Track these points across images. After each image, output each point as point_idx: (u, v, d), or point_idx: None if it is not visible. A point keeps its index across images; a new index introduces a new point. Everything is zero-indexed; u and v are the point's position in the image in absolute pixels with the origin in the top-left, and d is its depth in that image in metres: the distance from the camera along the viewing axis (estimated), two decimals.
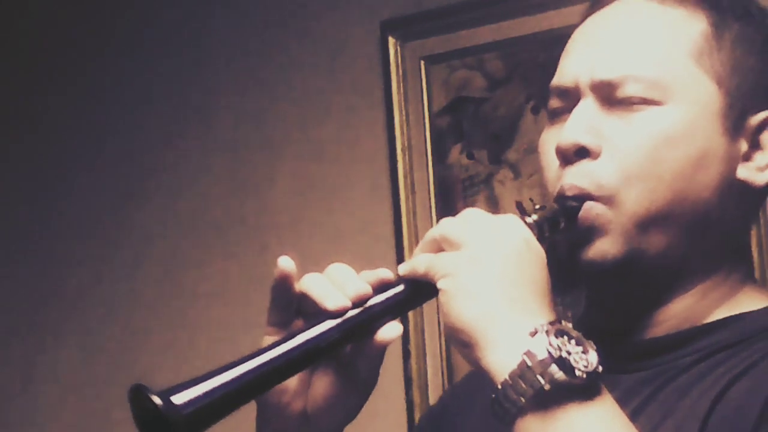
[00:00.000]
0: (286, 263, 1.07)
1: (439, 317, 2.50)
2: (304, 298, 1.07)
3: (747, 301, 1.14)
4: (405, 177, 2.57)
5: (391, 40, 2.62)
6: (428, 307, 2.68)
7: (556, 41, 2.62)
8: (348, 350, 1.08)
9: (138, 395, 0.96)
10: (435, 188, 2.55)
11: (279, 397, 1.08)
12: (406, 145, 2.58)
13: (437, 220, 2.53)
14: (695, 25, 1.15)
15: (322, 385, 1.09)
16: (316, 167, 2.70)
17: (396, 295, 1.06)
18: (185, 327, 2.80)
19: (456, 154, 2.55)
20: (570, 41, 1.21)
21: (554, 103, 1.19)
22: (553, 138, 1.15)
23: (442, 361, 2.51)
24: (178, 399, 0.95)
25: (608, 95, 1.13)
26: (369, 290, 1.04)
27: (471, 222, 1.04)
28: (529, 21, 2.47)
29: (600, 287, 1.15)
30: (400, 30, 2.61)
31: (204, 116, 2.85)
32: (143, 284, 2.88)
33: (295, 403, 1.09)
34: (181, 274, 2.83)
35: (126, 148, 2.93)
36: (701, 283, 1.14)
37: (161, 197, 2.88)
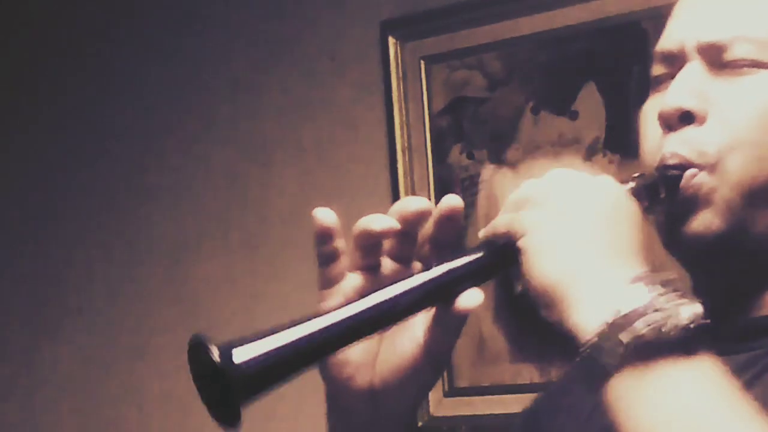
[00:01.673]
0: (324, 215, 0.99)
1: None
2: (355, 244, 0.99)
3: None
4: (405, 177, 2.57)
5: (391, 40, 2.62)
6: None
7: (556, 41, 2.64)
8: (422, 319, 0.99)
9: (196, 347, 0.87)
10: (435, 188, 2.55)
11: (341, 368, 0.99)
12: (406, 145, 2.58)
13: None
14: None
15: (391, 356, 1.00)
16: (316, 167, 2.70)
17: (476, 259, 0.96)
18: (185, 327, 2.79)
19: (456, 154, 2.55)
20: (677, 5, 1.12)
21: (657, 69, 1.10)
22: (656, 106, 1.07)
23: None
24: (239, 356, 0.86)
25: (716, 58, 1.06)
26: (397, 225, 0.96)
27: (555, 179, 0.96)
28: (529, 21, 2.47)
29: (703, 264, 1.07)
30: (400, 30, 2.61)
31: (204, 116, 2.85)
32: (143, 284, 2.88)
33: (360, 376, 1.00)
34: (181, 273, 2.83)
35: (126, 148, 2.93)
36: None
37: (161, 197, 2.88)
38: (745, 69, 1.05)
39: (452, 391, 2.49)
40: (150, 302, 2.86)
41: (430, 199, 2.55)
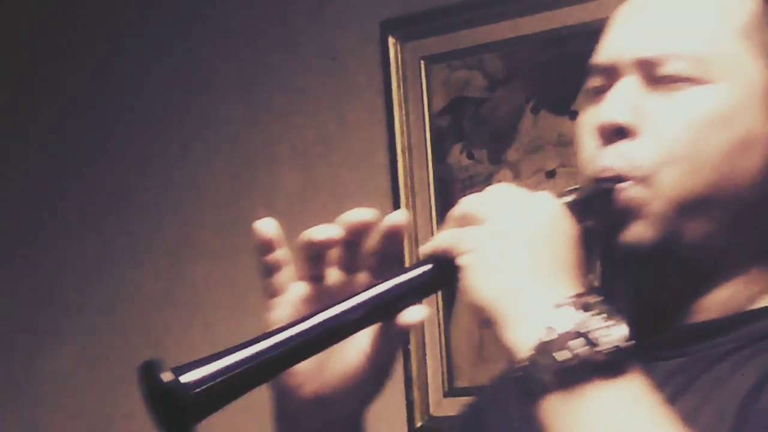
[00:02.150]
0: (265, 227, 1.04)
1: (439, 317, 2.50)
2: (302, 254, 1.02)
3: None
4: (405, 177, 2.57)
5: (391, 40, 2.62)
6: (429, 306, 2.66)
7: (556, 41, 2.64)
8: (367, 331, 1.02)
9: (147, 372, 0.91)
10: (435, 188, 2.55)
11: (288, 379, 1.03)
12: (406, 145, 2.58)
13: (437, 220, 2.53)
14: (745, 2, 1.10)
15: (336, 366, 1.03)
16: (315, 167, 2.70)
17: (419, 275, 0.99)
18: (186, 327, 2.80)
19: (456, 154, 2.55)
20: (613, 18, 1.16)
21: (594, 81, 1.13)
22: (591, 117, 1.10)
23: (442, 361, 2.51)
24: (188, 377, 0.90)
25: (651, 73, 1.08)
26: (341, 233, 1.00)
27: (496, 196, 0.99)
28: (529, 21, 2.47)
29: (637, 273, 1.10)
30: (400, 30, 2.61)
31: (204, 116, 2.85)
32: (143, 284, 2.88)
33: (307, 385, 1.03)
34: (182, 273, 2.83)
35: (126, 148, 2.93)
36: (744, 271, 1.08)
37: (161, 197, 2.88)
38: (679, 84, 1.07)
39: (452, 391, 2.49)
40: (150, 303, 2.86)
41: (430, 199, 2.56)
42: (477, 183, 2.51)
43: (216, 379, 0.91)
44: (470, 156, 2.53)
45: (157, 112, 2.90)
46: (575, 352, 0.89)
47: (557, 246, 0.96)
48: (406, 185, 2.57)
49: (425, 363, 2.52)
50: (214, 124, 2.83)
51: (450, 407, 2.49)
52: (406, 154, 2.58)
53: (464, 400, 2.65)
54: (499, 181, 2.48)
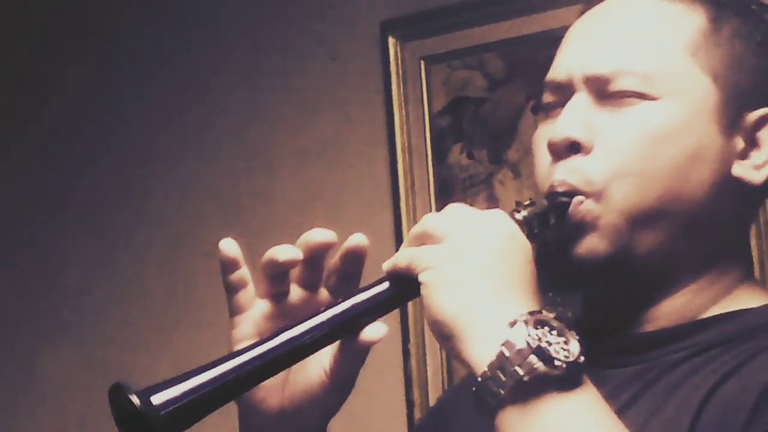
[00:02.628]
0: (227, 246, 1.09)
1: None
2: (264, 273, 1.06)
3: (743, 299, 1.12)
4: (405, 177, 2.58)
5: (391, 40, 2.62)
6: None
7: (556, 41, 2.63)
8: (329, 347, 1.05)
9: (117, 394, 0.95)
10: (435, 188, 2.55)
11: (253, 393, 1.06)
12: (406, 145, 2.58)
13: None
14: (692, 20, 1.13)
15: (299, 382, 1.07)
16: (315, 167, 2.70)
17: (380, 292, 1.03)
18: (186, 327, 2.80)
19: (456, 154, 2.55)
20: (565, 36, 1.20)
21: (547, 97, 1.17)
22: (545, 133, 1.14)
23: (442, 361, 2.51)
24: (157, 399, 0.93)
25: (601, 90, 1.12)
26: (300, 255, 1.03)
27: (454, 216, 1.02)
28: (529, 21, 2.47)
29: (591, 284, 1.13)
30: (400, 30, 2.61)
31: (204, 116, 2.85)
32: (144, 284, 2.88)
33: (270, 399, 1.07)
34: (182, 273, 2.83)
35: (127, 148, 2.93)
36: (695, 280, 1.12)
37: (161, 197, 2.88)
38: (629, 100, 1.11)
39: None
40: (150, 304, 2.86)
41: (430, 199, 2.56)
42: (477, 183, 2.52)
43: (184, 400, 0.94)
44: (470, 156, 2.53)
45: (157, 112, 2.90)
46: (531, 367, 0.92)
47: (512, 263, 0.99)
48: (406, 185, 2.57)
49: (425, 363, 2.52)
50: (214, 124, 2.83)
51: None
52: (406, 154, 2.58)
53: None
54: (500, 181, 2.49)
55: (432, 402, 2.51)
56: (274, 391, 1.07)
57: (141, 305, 2.88)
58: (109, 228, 2.93)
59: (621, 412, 0.99)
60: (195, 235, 2.83)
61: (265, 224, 2.74)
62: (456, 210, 1.03)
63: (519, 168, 2.48)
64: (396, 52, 2.61)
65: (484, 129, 2.53)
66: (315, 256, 1.06)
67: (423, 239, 1.01)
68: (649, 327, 1.12)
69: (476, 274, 0.97)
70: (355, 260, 1.06)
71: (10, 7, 3.08)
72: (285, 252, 1.05)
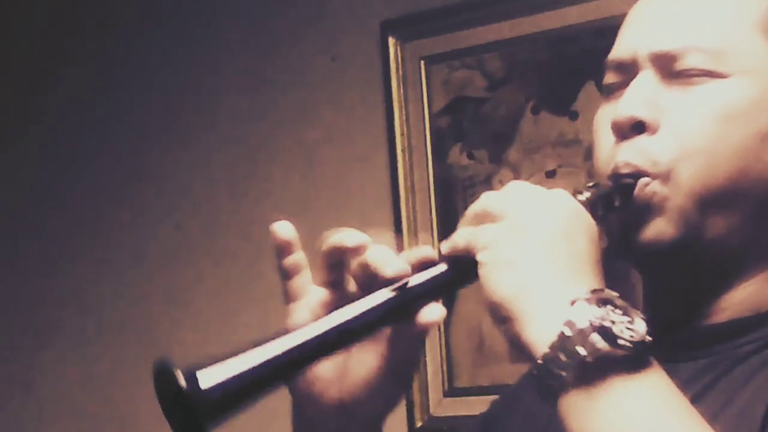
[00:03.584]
0: (283, 229, 1.03)
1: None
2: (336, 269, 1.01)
3: None
4: (405, 177, 2.57)
5: (391, 40, 2.62)
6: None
7: (556, 41, 2.64)
8: (387, 334, 1.01)
9: (163, 374, 0.88)
10: (435, 188, 2.55)
11: (311, 385, 1.02)
12: (406, 145, 2.58)
13: (437, 220, 2.54)
14: None
15: (358, 371, 1.02)
16: (315, 167, 2.70)
17: (438, 275, 0.97)
18: (186, 327, 2.80)
19: (456, 154, 2.55)
20: (628, 15, 1.14)
21: (610, 77, 1.12)
22: (608, 114, 1.09)
23: (442, 361, 2.51)
24: (206, 382, 0.87)
25: (668, 67, 1.07)
26: (408, 270, 0.97)
27: (514, 193, 0.97)
28: (529, 21, 2.47)
29: (657, 271, 1.09)
30: (400, 30, 2.61)
31: (204, 117, 2.85)
32: (143, 284, 2.88)
33: (329, 391, 1.02)
34: (183, 273, 2.83)
35: (127, 148, 2.93)
36: (765, 269, 1.07)
37: (162, 197, 2.88)
38: (696, 78, 1.06)
39: (452, 391, 2.49)
40: (151, 305, 2.86)
41: (430, 199, 2.56)
42: (477, 183, 2.51)
43: (235, 384, 0.88)
44: (470, 156, 2.53)
45: (157, 112, 2.90)
46: (594, 347, 0.88)
47: (575, 242, 0.95)
48: (406, 185, 2.57)
49: (425, 363, 2.52)
50: (214, 124, 2.83)
51: (450, 407, 2.49)
52: (406, 154, 2.58)
53: (464, 400, 2.65)
54: (500, 181, 2.48)
55: (432, 401, 2.51)
56: (332, 383, 1.02)
57: (141, 306, 2.88)
58: (109, 228, 2.93)
59: (692, 403, 0.94)
60: (196, 237, 2.83)
61: (265, 224, 2.74)
62: (517, 187, 0.98)
63: (519, 168, 2.47)
64: (396, 52, 2.61)
65: (484, 129, 2.53)
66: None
67: (482, 218, 0.97)
68: (716, 318, 1.07)
69: (536, 253, 0.93)
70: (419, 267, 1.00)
71: (10, 7, 3.08)
72: (353, 239, 1.00)
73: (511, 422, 1.18)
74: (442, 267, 0.98)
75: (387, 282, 0.98)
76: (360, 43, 2.66)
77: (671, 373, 0.93)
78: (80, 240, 2.96)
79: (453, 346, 2.49)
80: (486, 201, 0.98)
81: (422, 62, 2.60)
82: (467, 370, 2.48)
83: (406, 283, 0.97)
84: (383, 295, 0.97)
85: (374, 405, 1.03)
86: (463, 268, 0.97)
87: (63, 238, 2.98)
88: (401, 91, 2.60)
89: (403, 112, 2.59)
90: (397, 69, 2.61)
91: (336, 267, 1.02)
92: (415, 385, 2.52)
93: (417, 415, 2.52)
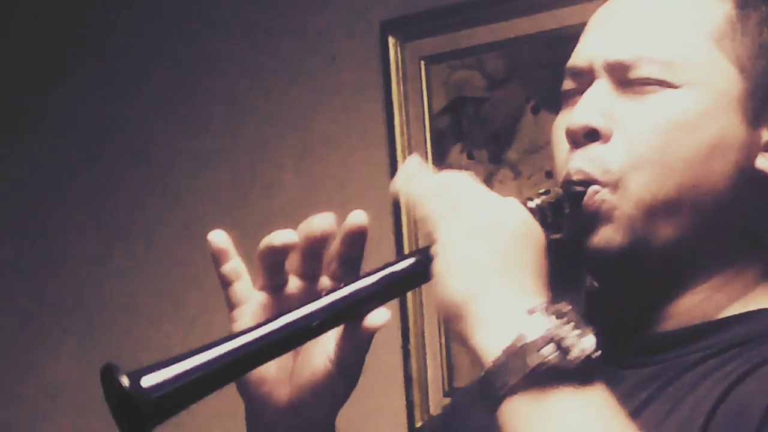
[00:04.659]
0: (216, 237, 1.07)
1: (439, 317, 2.50)
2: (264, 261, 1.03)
3: (762, 299, 1.09)
4: None
5: (391, 40, 2.62)
6: (429, 307, 2.66)
7: (556, 41, 2.64)
8: (333, 334, 1.02)
9: (108, 376, 0.91)
10: None
11: (259, 386, 1.04)
12: (406, 145, 2.58)
13: None
14: (718, 7, 1.10)
15: (305, 372, 1.04)
16: (315, 167, 2.70)
17: (384, 276, 1.00)
18: (186, 327, 2.79)
19: (456, 154, 2.55)
20: (588, 22, 1.16)
21: (568, 84, 1.14)
22: (564, 121, 1.11)
23: (442, 361, 2.51)
24: (147, 381, 0.90)
25: (622, 77, 1.08)
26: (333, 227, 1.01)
27: (469, 190, 0.98)
28: (529, 21, 2.47)
29: (606, 278, 1.11)
30: (400, 30, 2.61)
31: (204, 117, 2.85)
32: (143, 284, 2.88)
33: (277, 392, 1.04)
34: (183, 273, 2.83)
35: (127, 148, 2.93)
36: (713, 277, 1.08)
37: (162, 197, 2.88)
38: (649, 88, 1.08)
39: (452, 391, 2.49)
40: (150, 304, 2.86)
41: None
42: None
43: (177, 383, 0.91)
44: (470, 156, 2.53)
45: (157, 112, 2.90)
46: (546, 357, 0.89)
47: (527, 251, 0.96)
48: None
49: (425, 363, 2.52)
50: (214, 124, 2.83)
51: None
52: (406, 154, 2.58)
53: None
54: (500, 181, 2.48)
55: (432, 402, 2.52)
56: (280, 384, 1.04)
57: (141, 306, 2.88)
58: (109, 227, 2.93)
59: (637, 411, 0.97)
60: (197, 235, 2.83)
61: (265, 223, 2.74)
62: (471, 183, 0.99)
63: (519, 168, 2.48)
64: (396, 52, 2.61)
65: (484, 129, 2.53)
66: (315, 245, 1.03)
67: (439, 195, 0.98)
68: (665, 325, 1.09)
69: (491, 259, 0.94)
70: (356, 241, 1.04)
71: (10, 7, 3.08)
72: (280, 236, 1.03)
73: (474, 417, 1.19)
74: (388, 270, 1.00)
75: (335, 285, 1.01)
76: (360, 43, 2.66)
77: (619, 379, 0.96)
78: (80, 240, 2.96)
79: (453, 346, 2.49)
80: (444, 183, 0.99)
81: (422, 62, 2.60)
82: (467, 370, 2.48)
83: (353, 285, 0.99)
84: (329, 297, 0.99)
85: (322, 402, 1.05)
86: (415, 270, 0.99)
87: (63, 238, 2.98)
88: (401, 91, 2.60)
89: (403, 112, 2.59)
90: (397, 69, 2.61)
91: (274, 270, 1.05)
92: (415, 385, 2.52)
93: (417, 415, 2.52)
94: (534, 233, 0.98)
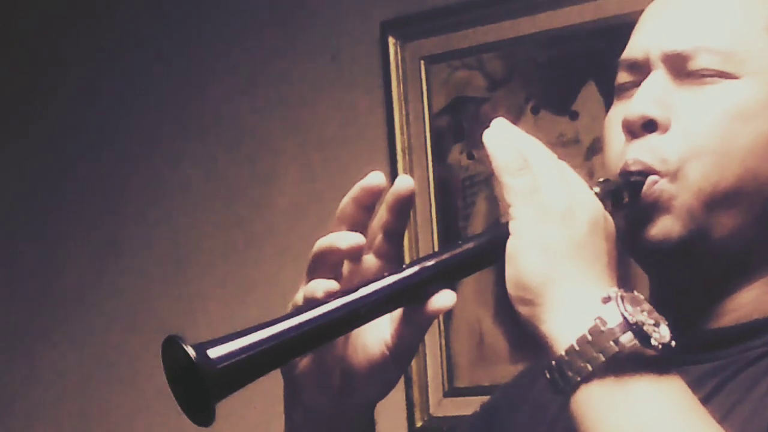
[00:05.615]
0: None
1: (439, 317, 2.50)
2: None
3: None
4: None
5: (391, 40, 2.62)
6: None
7: (555, 41, 2.64)
8: (391, 318, 1.01)
9: (171, 346, 0.90)
10: (435, 188, 2.55)
11: (312, 369, 1.02)
12: (406, 145, 2.58)
13: (437, 220, 2.53)
14: None
15: (356, 354, 1.02)
16: (316, 167, 2.70)
17: (450, 257, 0.98)
18: (186, 328, 2.79)
19: (456, 154, 2.55)
20: (643, 15, 1.15)
21: (622, 77, 1.13)
22: (619, 113, 1.10)
23: (442, 361, 2.51)
24: (214, 353, 0.89)
25: (680, 67, 1.08)
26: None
27: (550, 169, 0.98)
28: (529, 21, 2.47)
29: (663, 271, 1.09)
30: (400, 30, 2.61)
31: (204, 117, 2.85)
32: (143, 284, 2.88)
33: (330, 375, 1.02)
34: (184, 273, 2.83)
35: (127, 148, 2.93)
36: None
37: (162, 197, 2.88)
38: (708, 79, 1.07)
39: (452, 391, 2.49)
40: (150, 304, 2.86)
41: (430, 199, 2.56)
42: (477, 183, 2.51)
43: (242, 355, 0.90)
44: (470, 156, 2.53)
45: (158, 113, 2.90)
46: (626, 344, 0.89)
47: (601, 241, 0.96)
48: None
49: (425, 363, 2.52)
50: (214, 123, 2.83)
51: (450, 407, 2.49)
52: (406, 154, 2.58)
53: (464, 400, 2.64)
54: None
55: (432, 401, 2.51)
56: (333, 367, 1.02)
57: (141, 306, 2.88)
58: (109, 227, 2.93)
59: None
60: (196, 235, 2.83)
61: (265, 223, 2.74)
62: (553, 162, 0.99)
63: None
64: (396, 52, 2.61)
65: (484, 129, 2.52)
66: (363, 214, 1.02)
67: (517, 171, 0.97)
68: (723, 321, 1.08)
69: (568, 245, 0.93)
70: (403, 209, 1.02)
71: (10, 7, 3.08)
72: (347, 239, 1.01)
73: (517, 414, 1.18)
74: (455, 248, 0.98)
75: (378, 266, 0.99)
76: (360, 43, 2.66)
77: (681, 375, 0.93)
78: (80, 240, 2.96)
79: (453, 346, 2.49)
80: (527, 156, 0.99)
81: (422, 62, 2.60)
82: (467, 370, 2.48)
83: (420, 265, 0.97)
84: (393, 278, 0.97)
85: (370, 389, 1.04)
86: (486, 251, 0.97)
87: (63, 238, 2.98)
88: (401, 91, 2.60)
89: (403, 112, 2.59)
90: (397, 69, 2.61)
91: (331, 267, 1.02)
92: (415, 385, 2.52)
93: (417, 415, 2.52)
94: (607, 222, 0.97)
